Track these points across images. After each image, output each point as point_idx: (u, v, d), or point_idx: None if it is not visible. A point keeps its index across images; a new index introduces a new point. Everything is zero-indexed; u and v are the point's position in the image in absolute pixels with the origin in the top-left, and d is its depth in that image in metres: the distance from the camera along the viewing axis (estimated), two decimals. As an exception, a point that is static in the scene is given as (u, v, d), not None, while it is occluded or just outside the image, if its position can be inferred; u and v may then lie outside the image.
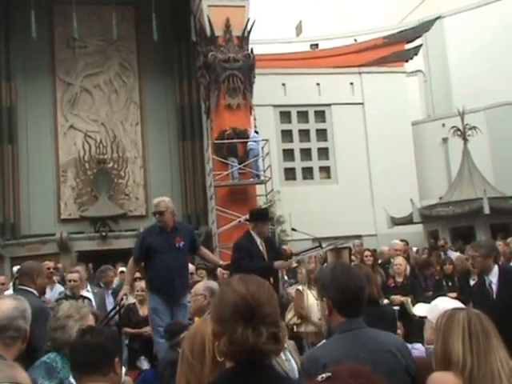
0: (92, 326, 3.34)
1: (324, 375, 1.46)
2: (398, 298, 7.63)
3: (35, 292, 5.38)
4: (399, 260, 8.39)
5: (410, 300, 7.53)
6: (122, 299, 6.64)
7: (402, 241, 11.09)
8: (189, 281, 7.12)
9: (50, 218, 19.59)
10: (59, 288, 8.79)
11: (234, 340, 1.75)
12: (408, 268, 8.77)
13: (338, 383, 1.44)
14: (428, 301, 3.76)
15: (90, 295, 7.89)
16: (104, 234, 18.16)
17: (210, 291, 4.45)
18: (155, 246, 6.56)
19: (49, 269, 9.01)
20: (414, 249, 13.70)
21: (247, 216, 7.72)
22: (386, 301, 7.38)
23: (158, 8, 18.05)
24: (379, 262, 9.98)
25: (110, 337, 2.86)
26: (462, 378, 2.24)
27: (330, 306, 2.77)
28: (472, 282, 8.54)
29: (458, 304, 2.77)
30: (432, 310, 2.71)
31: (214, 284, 4.80)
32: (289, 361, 3.67)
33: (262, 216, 7.16)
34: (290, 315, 7.47)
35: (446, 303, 2.74)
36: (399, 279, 8.09)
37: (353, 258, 9.42)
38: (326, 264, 7.70)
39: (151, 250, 6.57)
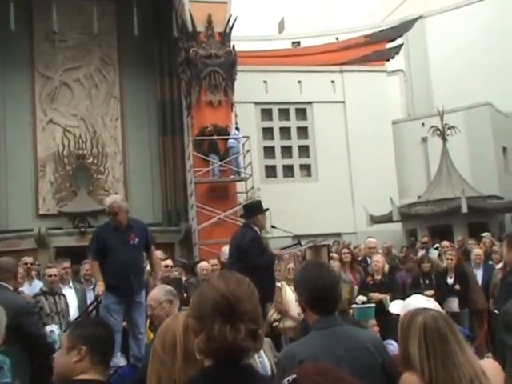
0: (100, 318, 3.38)
1: (290, 378, 1.46)
2: (376, 295, 7.67)
3: (12, 288, 5.37)
4: (377, 257, 8.43)
5: (388, 298, 7.58)
6: (100, 294, 6.59)
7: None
8: (144, 277, 7.11)
9: (28, 213, 19.37)
10: (38, 284, 8.70)
11: (211, 337, 1.73)
12: (386, 266, 8.82)
13: (304, 382, 1.44)
14: (404, 297, 3.79)
15: (70, 292, 7.82)
16: (83, 229, 17.96)
17: (172, 294, 4.33)
18: (110, 244, 6.57)
19: (26, 264, 8.92)
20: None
21: (242, 212, 7.69)
22: (364, 298, 7.42)
23: (139, 3, 17.92)
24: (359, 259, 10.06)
25: (105, 328, 2.90)
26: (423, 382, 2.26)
27: (303, 304, 2.80)
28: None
29: (431, 303, 2.78)
30: (404, 308, 2.73)
31: (168, 286, 4.65)
32: (261, 357, 3.65)
33: (261, 208, 7.17)
34: (270, 311, 7.50)
35: (419, 301, 2.75)
36: (377, 277, 8.13)
37: (335, 255, 9.47)
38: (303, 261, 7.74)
39: (106, 247, 6.58)
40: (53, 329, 6.25)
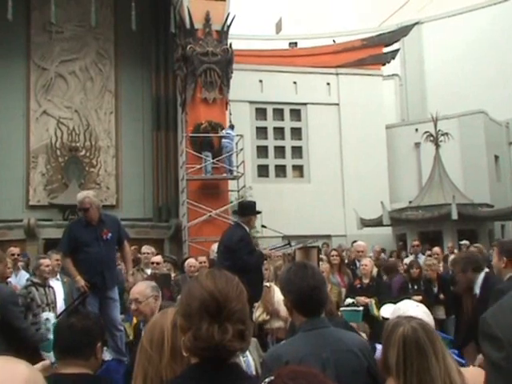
0: (77, 309, 3.36)
1: (267, 380, 1.47)
2: (362, 299, 7.66)
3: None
4: (365, 261, 8.41)
5: (374, 302, 7.59)
6: (85, 288, 6.55)
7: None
8: (117, 273, 7.09)
9: (18, 203, 19.30)
10: (25, 274, 8.66)
11: (198, 336, 1.73)
12: (375, 269, 8.82)
13: None
14: (395, 302, 3.81)
15: (58, 284, 7.78)
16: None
17: (157, 290, 4.28)
18: (83, 240, 6.55)
19: (13, 255, 8.88)
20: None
21: (237, 209, 7.68)
22: (351, 300, 7.43)
23: (137, -3, 17.91)
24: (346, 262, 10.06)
25: (95, 321, 2.87)
26: None
27: (289, 307, 2.82)
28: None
29: (421, 308, 2.79)
30: (394, 313, 2.74)
31: (152, 282, 4.59)
32: (246, 357, 3.65)
33: (254, 209, 7.18)
34: (258, 312, 7.49)
35: (408, 307, 2.76)
36: (365, 280, 8.12)
37: (324, 257, 9.48)
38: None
39: (78, 243, 6.56)
40: (48, 317, 6.25)
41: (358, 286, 8.10)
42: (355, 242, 10.92)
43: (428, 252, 11.77)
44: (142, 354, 2.22)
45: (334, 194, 20.91)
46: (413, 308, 2.71)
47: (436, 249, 11.38)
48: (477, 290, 5.21)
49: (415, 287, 8.75)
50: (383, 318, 3.27)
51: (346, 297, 7.84)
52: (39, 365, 2.45)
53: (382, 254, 13.76)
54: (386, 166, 21.70)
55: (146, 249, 9.20)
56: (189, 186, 17.04)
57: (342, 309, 6.58)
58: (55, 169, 19.93)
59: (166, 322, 2.21)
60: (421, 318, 2.48)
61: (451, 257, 9.51)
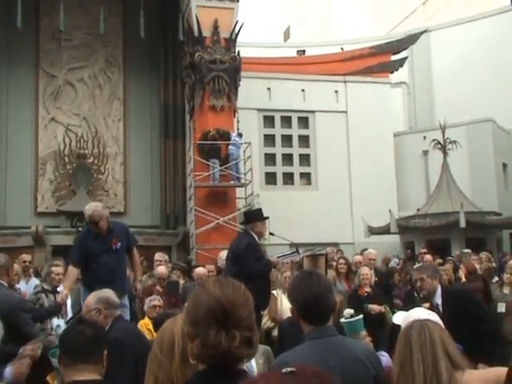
0: (83, 317, 3.39)
1: (289, 369, 1.46)
2: (375, 307, 7.65)
3: (6, 284, 5.39)
4: (366, 270, 8.37)
5: (388, 309, 7.61)
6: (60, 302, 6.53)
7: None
8: (126, 280, 7.10)
9: (26, 210, 19.38)
10: (35, 281, 8.68)
11: (206, 343, 1.73)
12: (373, 278, 8.77)
13: (302, 379, 1.44)
14: (406, 309, 3.79)
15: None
16: (80, 229, 17.92)
17: (104, 303, 4.14)
18: (92, 250, 6.57)
19: (25, 262, 8.89)
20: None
21: (243, 218, 7.69)
22: (351, 311, 7.39)
23: (146, 5, 18.01)
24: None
25: (101, 329, 2.91)
26: None
27: (296, 315, 2.81)
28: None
29: (431, 315, 2.78)
30: (405, 320, 2.74)
31: (108, 293, 4.32)
32: (249, 362, 3.62)
33: (260, 216, 7.17)
34: (264, 320, 7.48)
35: (418, 314, 2.75)
36: (367, 289, 8.10)
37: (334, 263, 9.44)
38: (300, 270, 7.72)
39: (89, 254, 6.57)
40: (59, 323, 6.25)
41: (365, 294, 8.06)
42: (365, 250, 10.88)
43: (427, 256, 11.58)
44: (152, 360, 2.22)
45: (342, 202, 20.87)
46: (424, 315, 2.70)
47: (428, 256, 11.27)
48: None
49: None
50: (394, 324, 3.27)
51: (350, 305, 7.78)
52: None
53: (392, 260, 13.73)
54: (393, 174, 21.66)
55: (158, 256, 9.12)
56: (196, 193, 17.06)
57: (342, 320, 6.53)
58: (63, 176, 20.01)
59: (176, 326, 2.21)
60: (433, 320, 2.51)
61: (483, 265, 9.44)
